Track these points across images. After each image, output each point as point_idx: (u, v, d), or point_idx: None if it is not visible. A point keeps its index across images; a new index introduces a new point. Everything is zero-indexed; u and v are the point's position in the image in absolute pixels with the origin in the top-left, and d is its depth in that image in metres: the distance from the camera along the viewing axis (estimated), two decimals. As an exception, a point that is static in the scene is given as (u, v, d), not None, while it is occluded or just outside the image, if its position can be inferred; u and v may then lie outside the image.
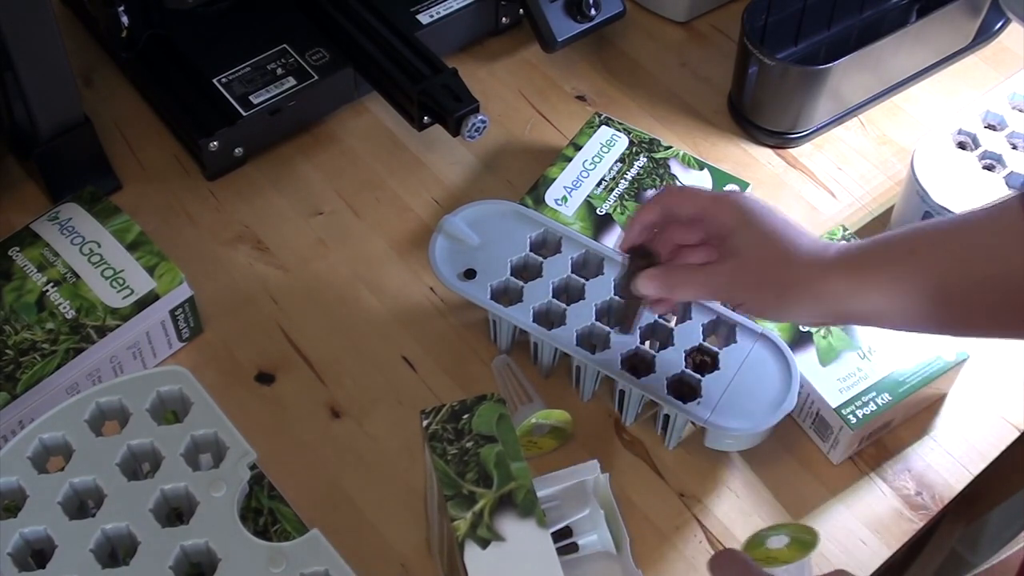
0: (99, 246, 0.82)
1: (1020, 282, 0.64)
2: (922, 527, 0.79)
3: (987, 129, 0.89)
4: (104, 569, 0.58)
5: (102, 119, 0.96)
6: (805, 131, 0.98)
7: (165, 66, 0.97)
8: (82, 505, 0.62)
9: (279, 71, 0.95)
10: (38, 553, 0.60)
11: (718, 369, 0.78)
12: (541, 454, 0.80)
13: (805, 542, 0.70)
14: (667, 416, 0.79)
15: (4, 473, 0.61)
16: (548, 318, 0.82)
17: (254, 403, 0.83)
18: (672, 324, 0.81)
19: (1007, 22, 1.05)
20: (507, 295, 0.83)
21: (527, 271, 0.84)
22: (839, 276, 0.68)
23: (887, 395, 0.79)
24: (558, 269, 0.83)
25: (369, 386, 0.84)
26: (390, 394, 0.84)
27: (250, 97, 0.93)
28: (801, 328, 0.82)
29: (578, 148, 0.92)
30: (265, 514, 0.63)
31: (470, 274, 0.83)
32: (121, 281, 0.80)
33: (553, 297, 0.82)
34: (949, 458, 0.82)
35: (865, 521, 0.79)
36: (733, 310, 0.81)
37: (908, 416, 0.83)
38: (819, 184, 0.97)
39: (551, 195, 0.89)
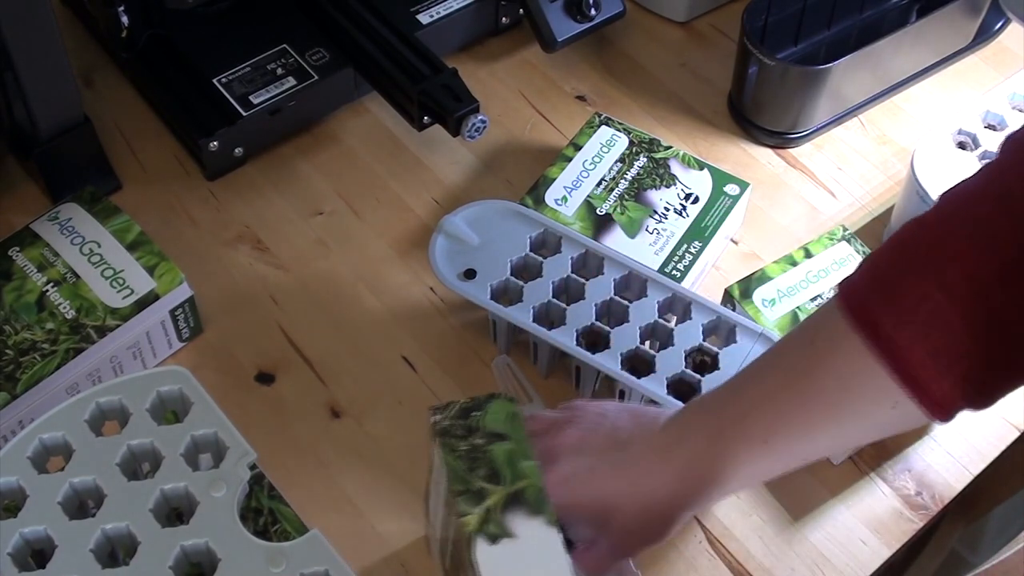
0: (99, 246, 0.82)
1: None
2: (922, 527, 0.79)
3: (987, 129, 0.89)
4: (104, 569, 0.58)
5: (102, 119, 0.96)
6: (805, 131, 0.98)
7: (165, 66, 0.97)
8: (82, 505, 0.62)
9: (279, 71, 0.95)
10: (38, 553, 0.60)
11: (718, 369, 0.78)
12: (541, 454, 0.80)
13: None
14: (667, 416, 0.79)
15: (4, 473, 0.61)
16: (548, 318, 0.82)
17: (254, 403, 0.83)
18: (672, 324, 0.81)
19: (1007, 22, 1.05)
20: (507, 295, 0.83)
21: (527, 271, 0.84)
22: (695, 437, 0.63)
23: (887, 395, 0.79)
24: (558, 269, 0.83)
25: (369, 386, 0.84)
26: (390, 394, 0.84)
27: (250, 97, 0.93)
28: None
29: (578, 148, 0.93)
30: (265, 514, 0.63)
31: (470, 274, 0.83)
32: (121, 281, 0.80)
33: (553, 297, 0.82)
34: (949, 458, 0.82)
35: (865, 521, 0.79)
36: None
37: (908, 416, 0.83)
38: (819, 184, 0.97)
39: (551, 195, 0.89)
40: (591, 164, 0.91)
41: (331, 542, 0.60)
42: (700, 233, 0.88)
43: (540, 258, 0.83)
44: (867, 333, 0.57)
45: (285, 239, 0.92)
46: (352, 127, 0.99)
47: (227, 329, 0.87)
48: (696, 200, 0.89)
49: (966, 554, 1.03)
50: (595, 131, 0.94)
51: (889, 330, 0.57)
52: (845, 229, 0.88)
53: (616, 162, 0.92)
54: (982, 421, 0.83)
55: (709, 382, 0.77)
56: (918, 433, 0.82)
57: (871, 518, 0.79)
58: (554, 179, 0.90)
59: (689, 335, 0.80)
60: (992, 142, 0.87)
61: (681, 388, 0.78)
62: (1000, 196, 0.57)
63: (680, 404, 0.77)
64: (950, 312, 0.56)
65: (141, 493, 0.60)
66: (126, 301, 0.80)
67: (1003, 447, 0.82)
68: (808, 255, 0.86)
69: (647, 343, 0.81)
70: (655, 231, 0.87)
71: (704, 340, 0.80)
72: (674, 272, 0.85)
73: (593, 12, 0.99)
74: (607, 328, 0.80)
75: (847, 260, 0.85)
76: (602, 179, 0.91)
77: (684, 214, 0.88)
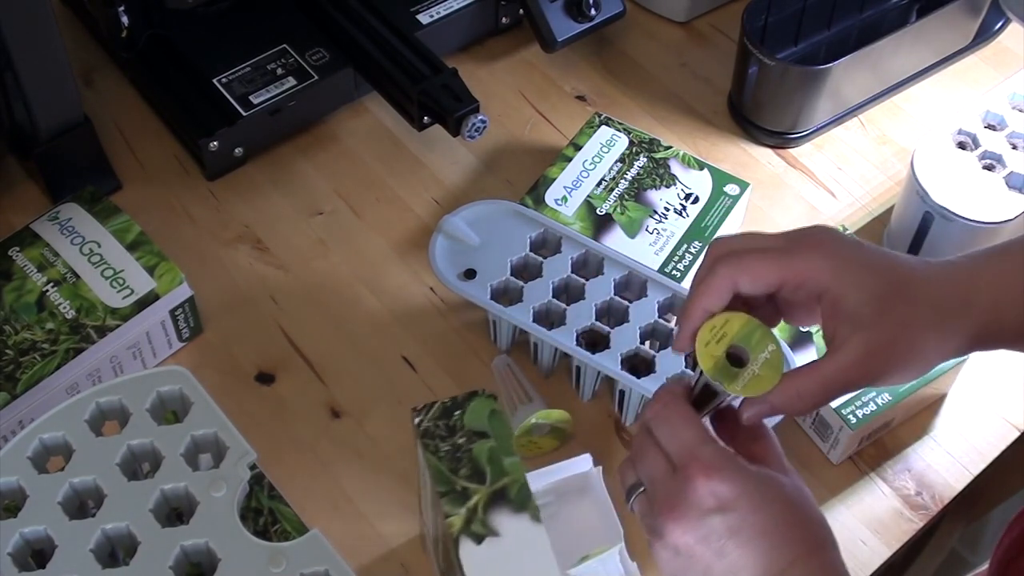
0: (99, 246, 0.82)
1: None
2: (922, 527, 0.79)
3: (987, 129, 0.89)
4: (104, 569, 0.58)
5: (102, 119, 0.96)
6: (805, 131, 0.98)
7: (165, 66, 0.97)
8: (82, 505, 0.62)
9: (279, 71, 0.95)
10: (38, 553, 0.60)
11: (718, 369, 0.78)
12: (541, 454, 0.80)
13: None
14: (667, 416, 0.79)
15: (4, 473, 0.60)
16: (548, 318, 0.82)
17: (254, 403, 0.83)
18: (672, 324, 0.81)
19: (1007, 22, 1.05)
20: (507, 295, 0.83)
21: (527, 271, 0.84)
22: (986, 271, 0.56)
23: (887, 395, 0.79)
24: (558, 269, 0.83)
25: (369, 386, 0.84)
26: (390, 394, 0.84)
27: (250, 97, 0.93)
28: (800, 328, 0.82)
29: (578, 148, 0.92)
30: (265, 514, 0.63)
31: (470, 274, 0.83)
32: (121, 281, 0.80)
33: (553, 297, 0.82)
34: (949, 458, 0.82)
35: (865, 521, 0.79)
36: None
37: (908, 416, 0.83)
38: (819, 184, 0.97)
39: (551, 195, 0.89)
40: (591, 164, 0.91)
41: (331, 542, 0.60)
42: (700, 233, 0.88)
43: (540, 258, 0.83)
44: None
45: (285, 239, 0.92)
46: (352, 127, 0.99)
47: (227, 329, 0.87)
48: (696, 200, 0.89)
49: (966, 554, 1.03)
50: (595, 131, 0.94)
51: None
52: (845, 229, 0.88)
53: (616, 162, 0.92)
54: (982, 421, 0.83)
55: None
56: (918, 433, 0.82)
57: (871, 518, 0.79)
58: (554, 179, 0.90)
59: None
60: (992, 142, 0.87)
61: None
62: None
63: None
64: None
65: (141, 493, 0.60)
66: (126, 301, 0.80)
67: (1003, 447, 0.82)
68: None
69: (647, 343, 0.81)
70: (655, 231, 0.87)
71: (704, 340, 0.80)
72: (674, 272, 0.85)
73: (593, 12, 0.99)
74: (607, 328, 0.80)
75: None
76: (602, 179, 0.91)
77: (684, 214, 0.88)
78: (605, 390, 0.84)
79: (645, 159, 0.92)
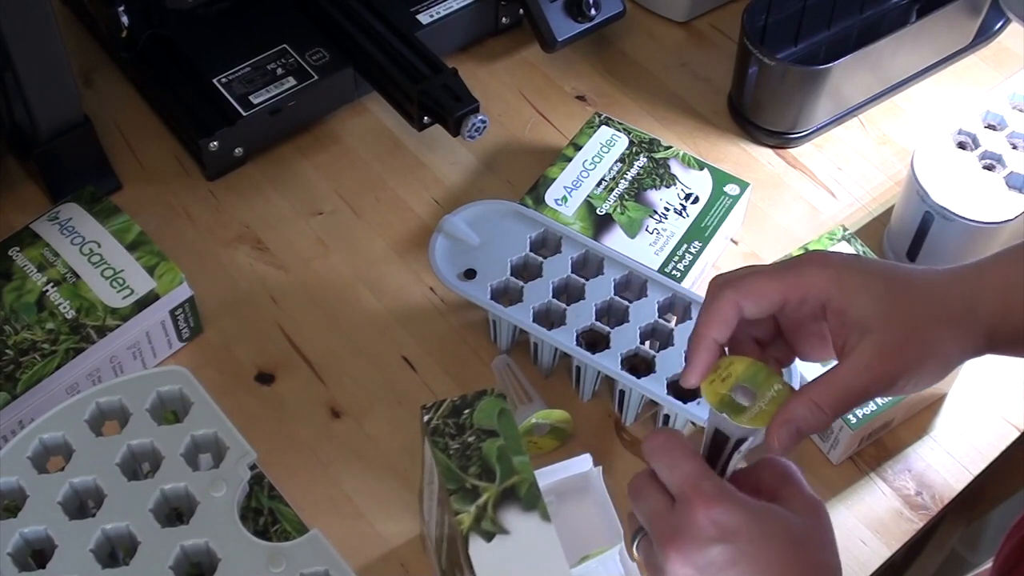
0: (99, 246, 0.82)
1: None
2: (922, 527, 0.79)
3: (987, 129, 0.89)
4: (104, 569, 0.58)
5: (102, 119, 0.96)
6: (805, 131, 0.98)
7: (165, 66, 0.97)
8: (82, 505, 0.62)
9: (279, 71, 0.95)
10: (38, 553, 0.60)
11: (718, 369, 0.78)
12: (541, 454, 0.80)
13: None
14: (667, 416, 0.79)
15: (4, 473, 0.60)
16: (548, 318, 0.82)
17: (254, 403, 0.83)
18: (672, 324, 0.81)
19: (1007, 22, 1.05)
20: (507, 295, 0.83)
21: (527, 271, 0.84)
22: (991, 275, 0.56)
23: (887, 395, 0.79)
24: (558, 269, 0.83)
25: (369, 386, 0.84)
26: (390, 394, 0.84)
27: (250, 97, 0.93)
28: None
29: (578, 148, 0.92)
30: (265, 514, 0.63)
31: (470, 274, 0.83)
32: (121, 281, 0.80)
33: (553, 297, 0.82)
34: (949, 458, 0.82)
35: (865, 521, 0.79)
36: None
37: (908, 416, 0.83)
38: (819, 184, 0.97)
39: (551, 195, 0.89)
40: (591, 164, 0.91)
41: (331, 542, 0.60)
42: (700, 233, 0.88)
43: (540, 258, 0.83)
44: None
45: (285, 239, 0.92)
46: (352, 127, 0.99)
47: (227, 329, 0.87)
48: (696, 200, 0.89)
49: (966, 554, 1.03)
50: (595, 131, 0.94)
51: None
52: (845, 229, 0.88)
53: (616, 162, 0.92)
54: (982, 421, 0.83)
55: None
56: (918, 433, 0.82)
57: (871, 518, 0.79)
58: (554, 179, 0.90)
59: (689, 335, 0.79)
60: (992, 142, 0.87)
61: (681, 388, 0.78)
62: None
63: (680, 404, 0.77)
64: None
65: (141, 493, 0.60)
66: (126, 301, 0.80)
67: (1003, 447, 0.82)
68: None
69: (647, 343, 0.81)
70: (655, 231, 0.87)
71: (704, 340, 0.80)
72: (674, 272, 0.85)
73: (593, 12, 0.99)
74: (607, 328, 0.80)
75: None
76: (602, 179, 0.91)
77: (684, 214, 0.88)
78: (605, 390, 0.84)
79: (645, 159, 0.92)
